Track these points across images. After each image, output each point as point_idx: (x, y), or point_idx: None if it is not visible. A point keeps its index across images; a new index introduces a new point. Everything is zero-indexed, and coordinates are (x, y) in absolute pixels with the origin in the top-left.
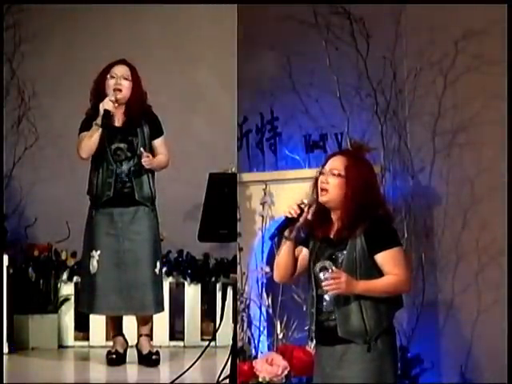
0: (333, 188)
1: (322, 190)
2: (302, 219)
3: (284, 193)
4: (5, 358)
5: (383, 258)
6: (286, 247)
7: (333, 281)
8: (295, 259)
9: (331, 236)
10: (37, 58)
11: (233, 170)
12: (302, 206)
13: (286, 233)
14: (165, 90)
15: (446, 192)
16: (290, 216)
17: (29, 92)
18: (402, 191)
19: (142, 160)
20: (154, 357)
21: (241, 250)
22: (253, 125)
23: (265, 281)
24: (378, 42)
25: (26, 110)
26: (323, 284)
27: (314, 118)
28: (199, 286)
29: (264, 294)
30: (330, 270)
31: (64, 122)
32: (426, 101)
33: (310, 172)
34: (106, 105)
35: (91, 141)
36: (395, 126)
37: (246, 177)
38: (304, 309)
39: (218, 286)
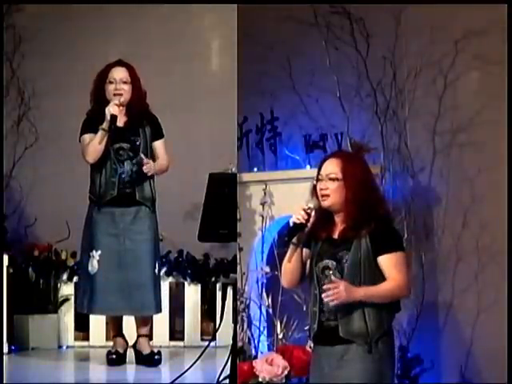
0: (333, 193)
1: (323, 195)
2: (310, 224)
3: (284, 193)
4: (5, 357)
5: (386, 261)
6: (294, 254)
7: (331, 292)
8: (303, 264)
9: (334, 236)
10: (37, 57)
11: (233, 170)
12: (309, 211)
13: (294, 239)
14: (165, 90)
15: (446, 192)
16: (298, 222)
17: (29, 92)
18: (402, 191)
19: (144, 167)
20: (156, 357)
21: (241, 250)
22: (253, 125)
23: (265, 281)
24: (377, 42)
25: (26, 110)
26: (323, 296)
27: (314, 118)
28: (199, 286)
29: (264, 294)
30: (329, 279)
31: (64, 122)
32: (425, 101)
33: (310, 172)
34: (112, 109)
35: (98, 146)
36: (395, 125)
37: (246, 177)
38: (304, 309)
39: (218, 285)
